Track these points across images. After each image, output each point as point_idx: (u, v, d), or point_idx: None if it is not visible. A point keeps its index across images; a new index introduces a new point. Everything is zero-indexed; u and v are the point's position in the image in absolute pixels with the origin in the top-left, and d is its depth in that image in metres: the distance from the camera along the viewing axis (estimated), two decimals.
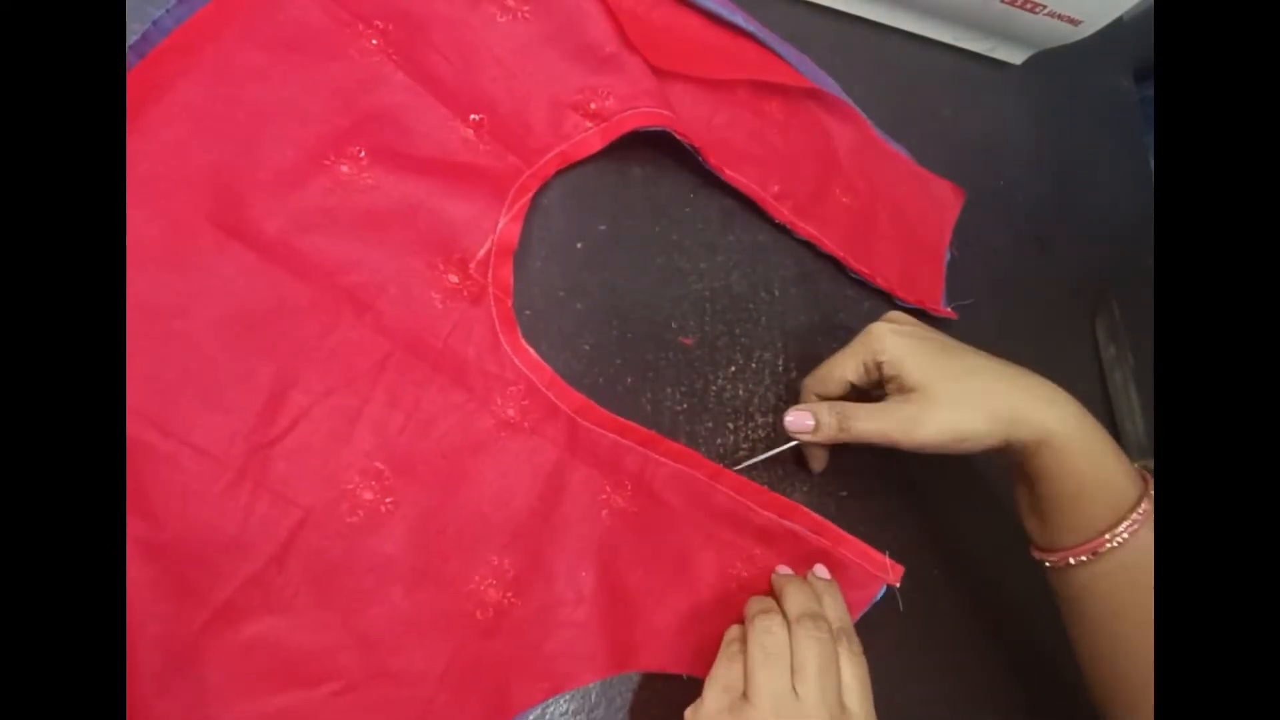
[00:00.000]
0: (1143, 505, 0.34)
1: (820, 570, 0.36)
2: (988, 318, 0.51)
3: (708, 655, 0.33)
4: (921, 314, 0.47)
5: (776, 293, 0.44)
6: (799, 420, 0.36)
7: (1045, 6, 0.50)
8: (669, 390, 0.39)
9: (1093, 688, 0.37)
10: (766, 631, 0.31)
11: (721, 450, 0.40)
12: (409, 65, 0.35)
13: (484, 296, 0.35)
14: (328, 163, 0.33)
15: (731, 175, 0.42)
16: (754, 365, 0.42)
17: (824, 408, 0.36)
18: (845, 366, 0.37)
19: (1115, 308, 0.56)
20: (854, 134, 0.48)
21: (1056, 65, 0.57)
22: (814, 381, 0.39)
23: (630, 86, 0.39)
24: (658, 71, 0.40)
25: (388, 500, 0.32)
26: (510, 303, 0.35)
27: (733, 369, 0.41)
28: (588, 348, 0.38)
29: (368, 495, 0.31)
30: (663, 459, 0.36)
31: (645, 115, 0.39)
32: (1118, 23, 0.51)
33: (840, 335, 0.45)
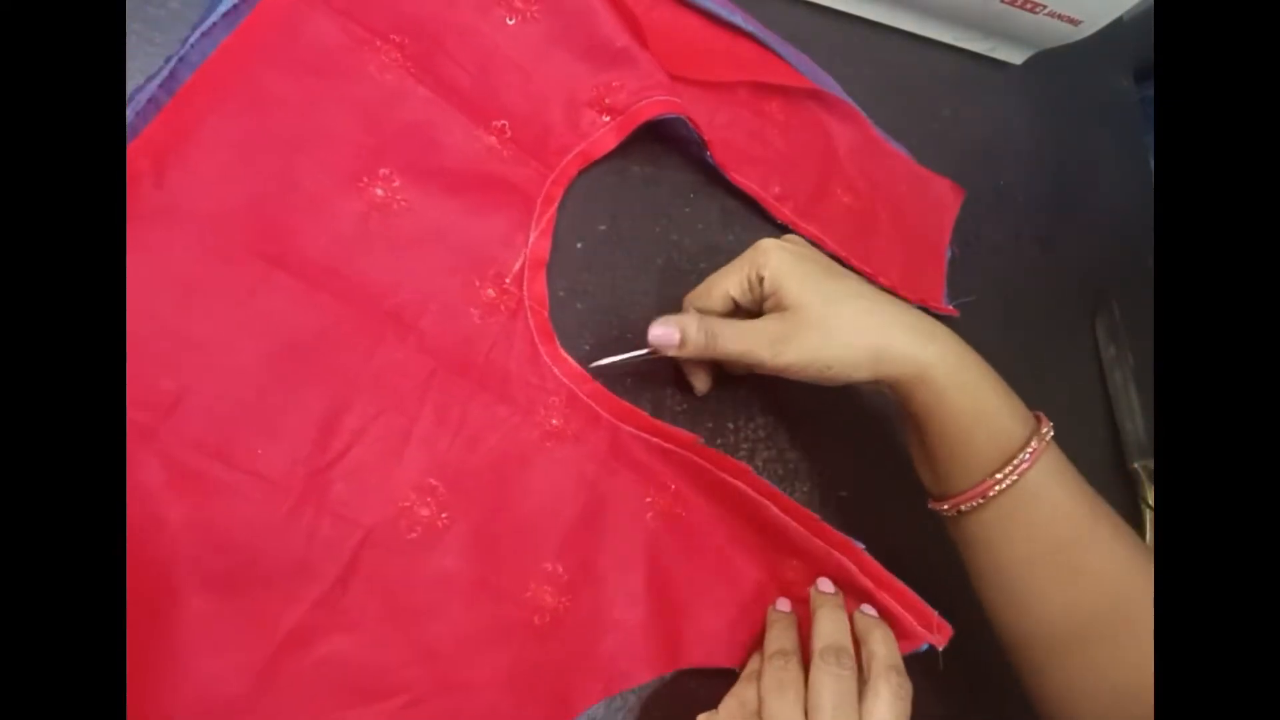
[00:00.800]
0: (1032, 445, 0.33)
1: (868, 609, 0.35)
2: (988, 318, 0.51)
3: (756, 649, 0.35)
4: (924, 312, 0.47)
5: None
6: (665, 335, 0.33)
7: (1045, 6, 0.50)
8: (669, 390, 0.39)
9: (1001, 639, 0.36)
10: (782, 669, 0.31)
11: (721, 449, 0.40)
12: (428, 78, 0.35)
13: (521, 310, 0.36)
14: (361, 185, 0.33)
15: (735, 175, 0.42)
16: None
17: (692, 322, 0.33)
18: (729, 280, 0.35)
19: (1115, 308, 0.56)
20: (854, 133, 0.48)
21: (1056, 65, 0.57)
22: (696, 295, 0.37)
23: (642, 80, 0.39)
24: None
25: (443, 515, 0.32)
26: (546, 314, 0.36)
27: None
28: (588, 348, 0.38)
29: (424, 511, 0.32)
30: (705, 464, 0.37)
31: (659, 104, 0.39)
32: (1118, 23, 0.51)
33: None
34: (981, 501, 0.34)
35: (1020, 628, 0.35)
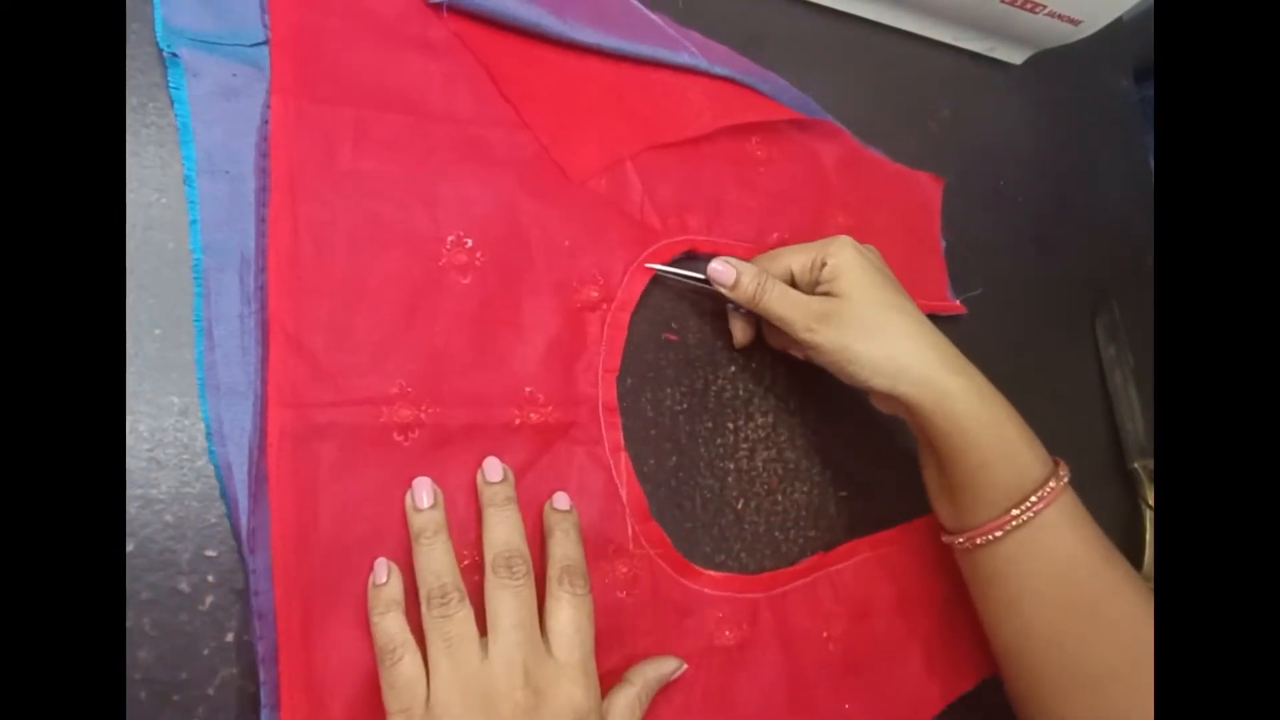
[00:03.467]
0: (1050, 483, 0.34)
1: (559, 500, 0.33)
2: (988, 318, 0.51)
3: (958, 669, 0.42)
4: (933, 318, 0.47)
5: None
6: (723, 272, 0.36)
7: (1045, 6, 0.50)
8: (669, 390, 0.39)
9: (1006, 679, 0.37)
10: (445, 618, 0.28)
11: (721, 449, 0.40)
12: (449, 408, 0.32)
13: (649, 560, 0.36)
14: (465, 564, 0.31)
15: (727, 248, 0.41)
16: (754, 365, 0.42)
17: (751, 271, 0.36)
18: (795, 257, 0.37)
19: (1115, 308, 0.56)
20: (838, 149, 0.47)
21: (1056, 65, 0.57)
22: (761, 259, 0.39)
23: (609, 248, 0.37)
24: (642, 150, 0.39)
25: None
26: (672, 549, 0.37)
27: (733, 369, 0.41)
28: None
29: None
30: (843, 563, 0.40)
31: (637, 272, 0.38)
32: (1117, 23, 0.51)
33: None
34: (997, 536, 0.34)
35: (1028, 663, 0.35)
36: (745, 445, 0.41)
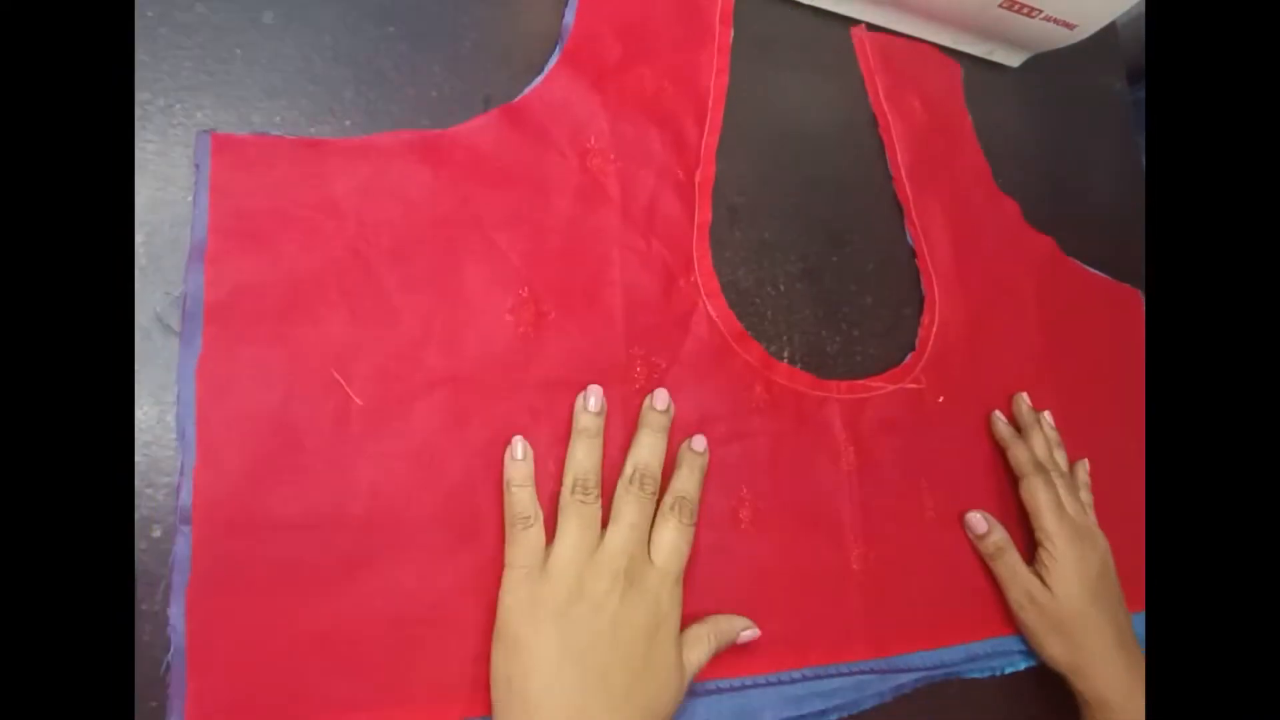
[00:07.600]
0: None
1: (696, 442, 0.37)
2: None
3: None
4: None
5: (782, 288, 0.44)
6: (978, 522, 0.44)
7: (1042, 11, 0.50)
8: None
9: None
10: (584, 503, 0.33)
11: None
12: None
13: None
14: None
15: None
16: None
17: (1001, 533, 0.44)
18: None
19: None
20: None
21: (1053, 68, 0.58)
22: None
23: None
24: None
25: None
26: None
27: None
28: None
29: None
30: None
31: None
32: (1112, 27, 0.52)
33: (844, 329, 0.46)
34: None
35: None
36: None
